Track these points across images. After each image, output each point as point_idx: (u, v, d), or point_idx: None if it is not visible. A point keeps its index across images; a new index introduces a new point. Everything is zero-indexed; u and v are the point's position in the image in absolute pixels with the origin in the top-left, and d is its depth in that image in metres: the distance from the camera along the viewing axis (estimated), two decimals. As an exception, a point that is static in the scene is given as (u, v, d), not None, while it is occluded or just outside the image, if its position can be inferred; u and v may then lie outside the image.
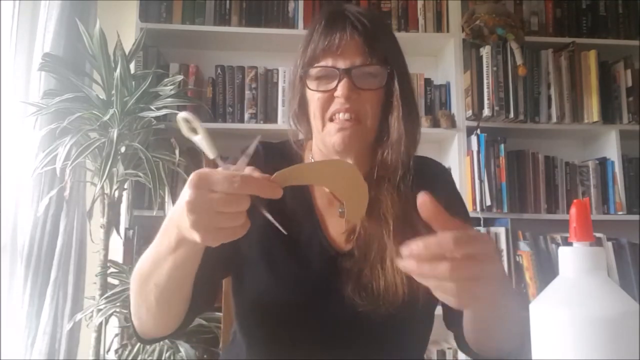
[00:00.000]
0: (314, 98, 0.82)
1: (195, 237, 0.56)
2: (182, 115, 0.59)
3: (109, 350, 1.65)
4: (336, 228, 0.86)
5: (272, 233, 0.75)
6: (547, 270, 1.93)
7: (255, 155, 0.89)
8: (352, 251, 0.82)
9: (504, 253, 1.95)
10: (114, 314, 1.61)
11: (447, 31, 2.19)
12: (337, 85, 0.79)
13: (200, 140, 0.60)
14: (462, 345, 0.84)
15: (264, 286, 0.84)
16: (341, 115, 0.80)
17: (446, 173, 0.99)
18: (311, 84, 0.82)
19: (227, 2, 2.16)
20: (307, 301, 0.82)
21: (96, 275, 1.67)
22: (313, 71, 0.82)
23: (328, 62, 0.80)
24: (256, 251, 0.84)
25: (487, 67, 2.09)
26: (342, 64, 0.79)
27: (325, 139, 0.83)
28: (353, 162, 0.87)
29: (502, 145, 2.07)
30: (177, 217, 0.59)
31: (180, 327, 0.79)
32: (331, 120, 0.82)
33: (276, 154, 0.90)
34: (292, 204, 0.84)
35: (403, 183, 0.84)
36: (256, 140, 0.64)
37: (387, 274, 0.79)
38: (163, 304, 0.72)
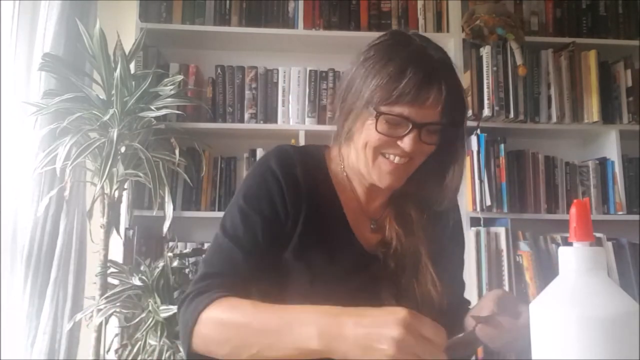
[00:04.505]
0: (373, 135, 0.81)
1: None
2: None
3: (109, 350, 1.65)
4: (367, 239, 0.91)
5: (310, 243, 0.85)
6: (547, 270, 1.93)
7: (289, 159, 0.89)
8: (388, 262, 0.87)
9: (504, 253, 1.95)
10: (114, 314, 1.61)
11: (447, 31, 2.19)
12: (404, 136, 0.79)
13: None
14: None
15: (304, 295, 0.83)
16: (397, 159, 0.82)
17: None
18: (380, 126, 0.80)
19: (227, 2, 2.16)
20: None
21: (96, 275, 1.66)
22: (386, 116, 0.79)
23: (404, 111, 0.78)
24: (296, 260, 0.85)
25: (487, 67, 2.09)
26: (419, 119, 0.78)
27: (373, 172, 0.85)
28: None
29: (502, 145, 2.07)
30: (337, 330, 0.63)
31: None
32: (382, 155, 0.83)
33: (308, 163, 0.90)
34: (326, 218, 0.88)
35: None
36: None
37: (422, 286, 0.85)
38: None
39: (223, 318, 0.74)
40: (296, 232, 0.85)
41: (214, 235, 0.87)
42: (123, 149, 1.68)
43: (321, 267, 0.84)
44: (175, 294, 1.59)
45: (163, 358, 1.51)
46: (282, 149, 0.91)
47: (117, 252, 1.86)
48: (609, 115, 2.17)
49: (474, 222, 2.02)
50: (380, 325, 0.60)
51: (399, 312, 0.60)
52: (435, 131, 0.82)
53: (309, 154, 0.93)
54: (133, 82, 1.73)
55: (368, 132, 0.81)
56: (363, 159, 0.85)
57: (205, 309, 0.74)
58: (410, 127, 0.78)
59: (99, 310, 1.56)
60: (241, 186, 0.90)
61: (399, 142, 0.80)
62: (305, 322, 0.67)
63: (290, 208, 0.85)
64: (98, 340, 1.62)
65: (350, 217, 0.90)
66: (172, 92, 1.76)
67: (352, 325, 0.62)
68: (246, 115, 2.12)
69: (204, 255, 0.90)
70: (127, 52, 1.75)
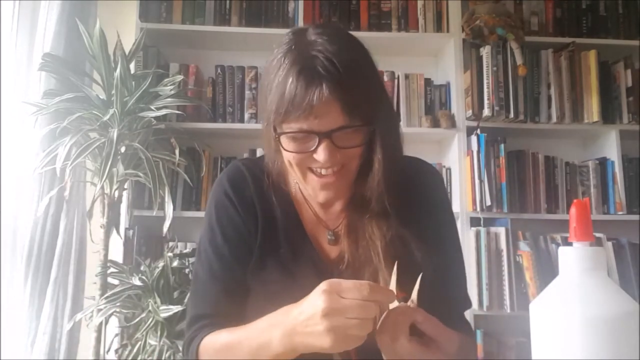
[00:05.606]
0: (289, 154, 0.76)
1: (326, 342, 0.60)
2: None
3: (109, 350, 1.65)
4: (327, 252, 0.86)
5: (267, 259, 0.82)
6: (547, 270, 1.93)
7: (241, 179, 0.87)
8: (343, 276, 0.80)
9: (504, 253, 1.95)
10: (114, 314, 1.61)
11: (447, 31, 2.19)
12: (316, 148, 0.72)
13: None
14: None
15: (265, 311, 0.81)
16: (323, 171, 0.76)
17: (434, 180, 0.94)
18: (287, 144, 0.74)
19: (227, 2, 2.16)
20: None
21: (96, 275, 1.66)
22: (288, 134, 0.73)
23: (303, 125, 0.71)
24: (254, 277, 0.84)
25: (487, 67, 2.09)
26: (321, 128, 0.71)
27: (308, 189, 0.80)
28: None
29: (502, 145, 2.07)
30: (291, 326, 0.65)
31: None
32: (311, 169, 0.77)
33: (260, 175, 0.87)
34: (284, 232, 0.85)
35: (388, 200, 0.81)
36: None
37: None
38: None
39: (211, 355, 0.78)
40: (255, 251, 0.84)
41: (194, 264, 0.88)
42: (123, 149, 1.68)
43: (280, 282, 0.81)
44: (175, 294, 1.59)
45: (163, 358, 1.51)
46: (233, 167, 0.89)
47: (117, 252, 1.86)
48: (609, 115, 2.17)
49: (474, 222, 2.02)
50: (311, 303, 0.63)
51: (320, 286, 0.63)
52: (351, 133, 0.73)
53: (261, 167, 0.88)
54: (133, 82, 1.73)
55: (286, 152, 0.76)
56: (295, 176, 0.80)
57: (198, 352, 0.79)
58: (317, 139, 0.72)
59: (99, 310, 1.56)
60: (206, 214, 0.88)
61: (314, 156, 0.73)
62: (266, 329, 0.69)
63: (250, 227, 0.84)
64: (98, 340, 1.62)
65: (309, 230, 0.86)
66: (172, 92, 1.76)
67: (298, 315, 0.64)
68: (246, 115, 2.12)
69: (189, 293, 0.91)
70: (127, 52, 1.75)
